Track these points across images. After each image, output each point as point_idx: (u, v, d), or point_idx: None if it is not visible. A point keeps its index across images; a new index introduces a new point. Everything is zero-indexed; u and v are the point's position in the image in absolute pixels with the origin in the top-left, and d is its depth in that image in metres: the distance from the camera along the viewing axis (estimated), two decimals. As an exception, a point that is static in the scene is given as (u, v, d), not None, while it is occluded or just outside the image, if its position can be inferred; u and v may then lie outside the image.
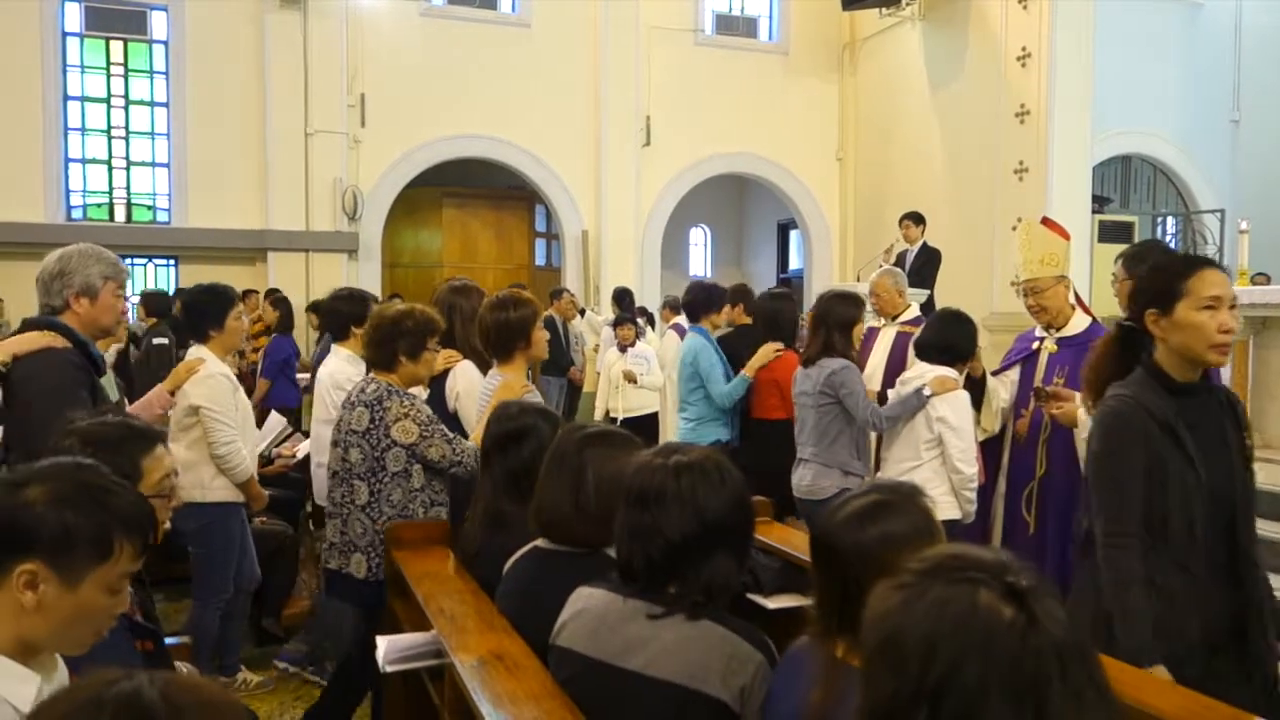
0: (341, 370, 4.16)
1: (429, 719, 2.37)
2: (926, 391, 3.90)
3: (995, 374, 4.16)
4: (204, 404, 3.83)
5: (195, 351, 3.98)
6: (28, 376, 2.98)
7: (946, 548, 1.08)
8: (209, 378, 3.87)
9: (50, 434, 2.69)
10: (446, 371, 3.77)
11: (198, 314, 4.00)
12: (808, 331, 4.77)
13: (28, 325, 3.19)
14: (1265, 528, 4.44)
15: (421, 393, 3.61)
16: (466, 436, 3.45)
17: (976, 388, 4.03)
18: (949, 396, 3.87)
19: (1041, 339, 3.98)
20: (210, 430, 3.83)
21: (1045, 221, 4.13)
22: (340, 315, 4.41)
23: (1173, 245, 13.65)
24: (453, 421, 3.70)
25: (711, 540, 1.77)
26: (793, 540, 2.95)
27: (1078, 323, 3.92)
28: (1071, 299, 4.01)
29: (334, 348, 4.39)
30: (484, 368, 3.77)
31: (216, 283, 4.17)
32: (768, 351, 5.20)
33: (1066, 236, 4.01)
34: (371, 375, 3.33)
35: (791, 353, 5.21)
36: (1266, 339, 6.04)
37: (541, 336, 3.60)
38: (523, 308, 3.50)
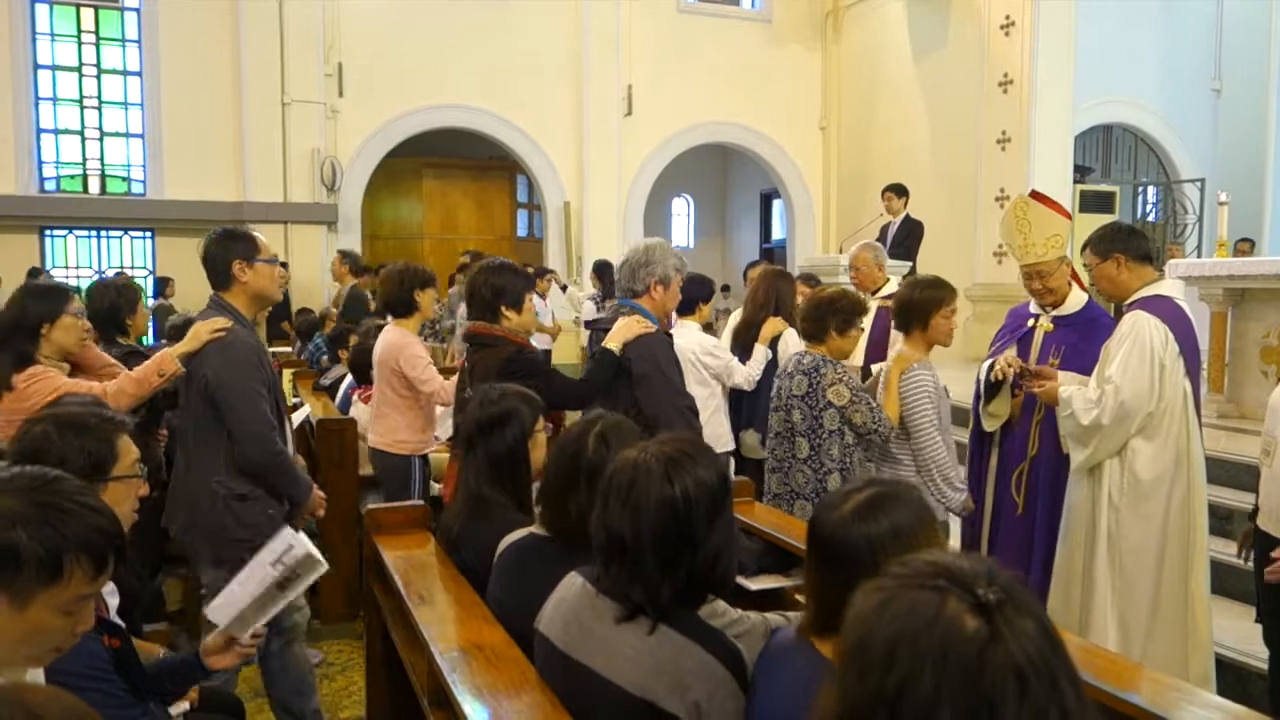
0: (705, 340, 4.76)
1: (410, 705, 2.36)
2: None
3: (991, 355, 3.91)
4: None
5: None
6: (641, 356, 3.49)
7: (931, 553, 1.05)
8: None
9: (664, 404, 3.37)
10: (777, 338, 4.68)
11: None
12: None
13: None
14: (1241, 498, 4.47)
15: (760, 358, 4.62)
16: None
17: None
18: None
19: (1036, 316, 3.85)
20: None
21: (1036, 196, 3.88)
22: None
23: (1153, 215, 13.69)
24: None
25: (656, 545, 1.67)
26: (775, 522, 2.95)
27: (1074, 300, 3.79)
28: (1069, 276, 3.84)
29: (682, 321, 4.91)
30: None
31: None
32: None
33: (1067, 215, 3.82)
34: (805, 349, 3.86)
35: None
36: (1245, 310, 6.04)
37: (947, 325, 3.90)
38: (942, 289, 3.83)
